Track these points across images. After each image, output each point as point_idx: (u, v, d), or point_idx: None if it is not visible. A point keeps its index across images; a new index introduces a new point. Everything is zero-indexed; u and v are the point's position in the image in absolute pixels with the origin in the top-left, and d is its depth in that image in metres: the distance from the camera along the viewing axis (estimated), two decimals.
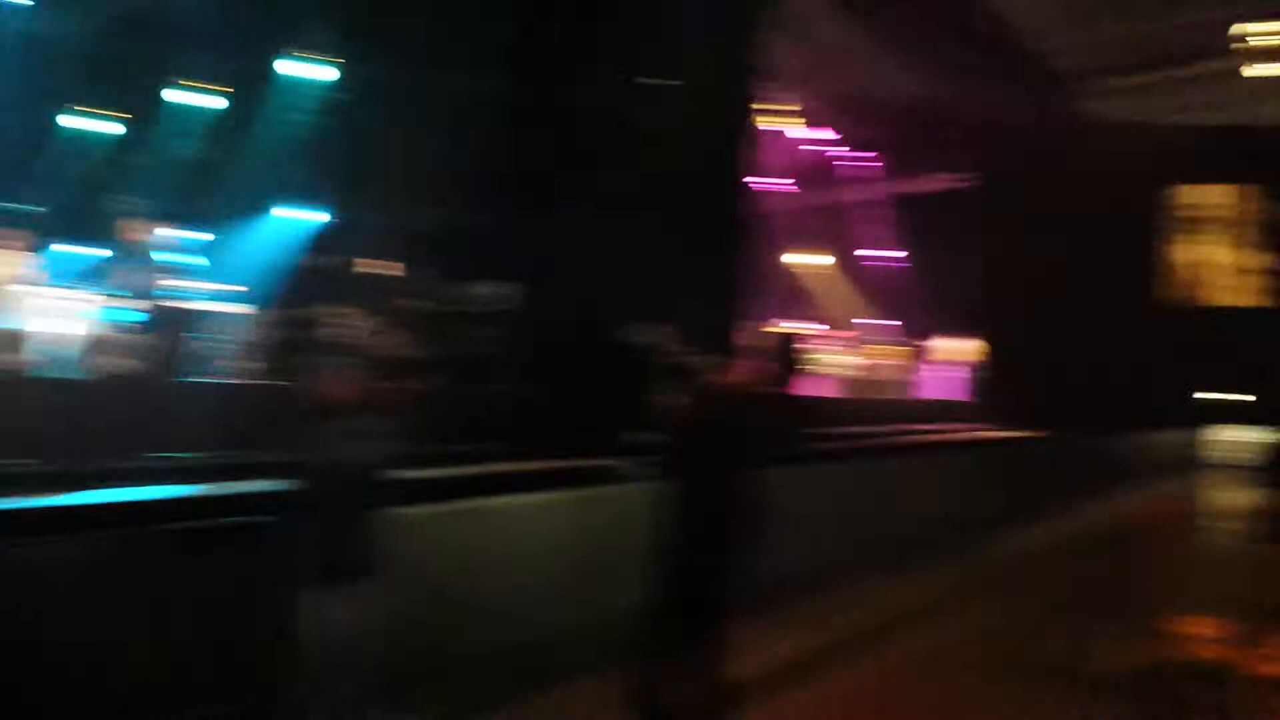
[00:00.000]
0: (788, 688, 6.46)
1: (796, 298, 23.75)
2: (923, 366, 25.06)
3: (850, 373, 21.64)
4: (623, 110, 10.35)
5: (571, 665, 5.90)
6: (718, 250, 15.36)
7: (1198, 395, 23.84)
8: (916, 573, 9.79)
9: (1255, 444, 6.17)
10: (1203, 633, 5.80)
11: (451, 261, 11.57)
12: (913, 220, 24.73)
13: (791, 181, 23.50)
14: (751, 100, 13.01)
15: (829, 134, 23.63)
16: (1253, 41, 21.70)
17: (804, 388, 17.16)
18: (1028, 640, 7.74)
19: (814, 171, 24.03)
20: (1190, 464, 22.88)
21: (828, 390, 19.87)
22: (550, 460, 7.60)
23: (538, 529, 6.38)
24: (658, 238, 13.09)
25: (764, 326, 19.54)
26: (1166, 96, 26.04)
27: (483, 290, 10.83)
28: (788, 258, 24.49)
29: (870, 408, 20.14)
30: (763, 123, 20.71)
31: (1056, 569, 10.85)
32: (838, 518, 9.93)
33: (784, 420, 12.97)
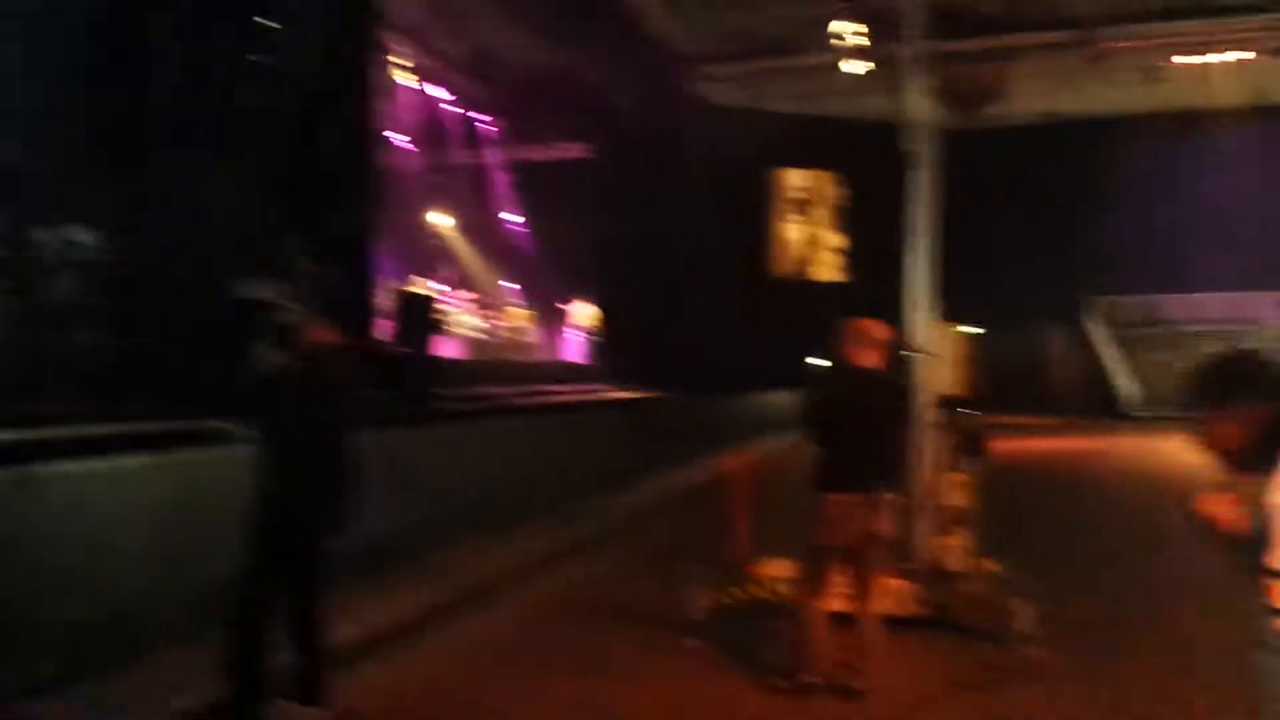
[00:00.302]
0: (394, 648, 6.39)
1: (427, 258, 23.42)
2: (550, 329, 25.75)
3: (479, 334, 21.77)
4: (227, 50, 9.61)
5: (165, 634, 5.49)
6: (337, 204, 14.80)
7: (808, 360, 26.29)
8: (534, 528, 10.00)
9: None
10: (779, 574, 6.34)
11: (26, 204, 10.25)
12: (538, 186, 25.17)
13: (419, 140, 23.08)
14: (370, 49, 12.55)
15: (452, 94, 23.43)
16: (848, 40, 23.93)
17: (433, 347, 17.04)
18: (628, 586, 8.13)
19: (440, 131, 23.75)
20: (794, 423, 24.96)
21: (456, 351, 19.89)
22: (142, 421, 6.98)
23: (126, 494, 5.82)
24: (267, 188, 12.35)
25: (391, 285, 19.14)
26: (775, 84, 28.23)
27: (62, 236, 9.68)
28: (418, 217, 24.08)
29: (497, 368, 20.36)
30: (386, 76, 20.15)
31: (661, 521, 11.49)
32: (459, 477, 9.94)
33: (372, 377, 12.72)
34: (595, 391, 22.22)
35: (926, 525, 6.91)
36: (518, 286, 25.27)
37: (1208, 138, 33.78)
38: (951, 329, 7.04)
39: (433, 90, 22.88)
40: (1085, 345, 38.78)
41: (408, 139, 22.48)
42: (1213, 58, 29.09)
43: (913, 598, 6.69)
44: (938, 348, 6.86)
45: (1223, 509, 2.46)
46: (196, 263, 9.81)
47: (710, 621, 6.64)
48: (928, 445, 6.80)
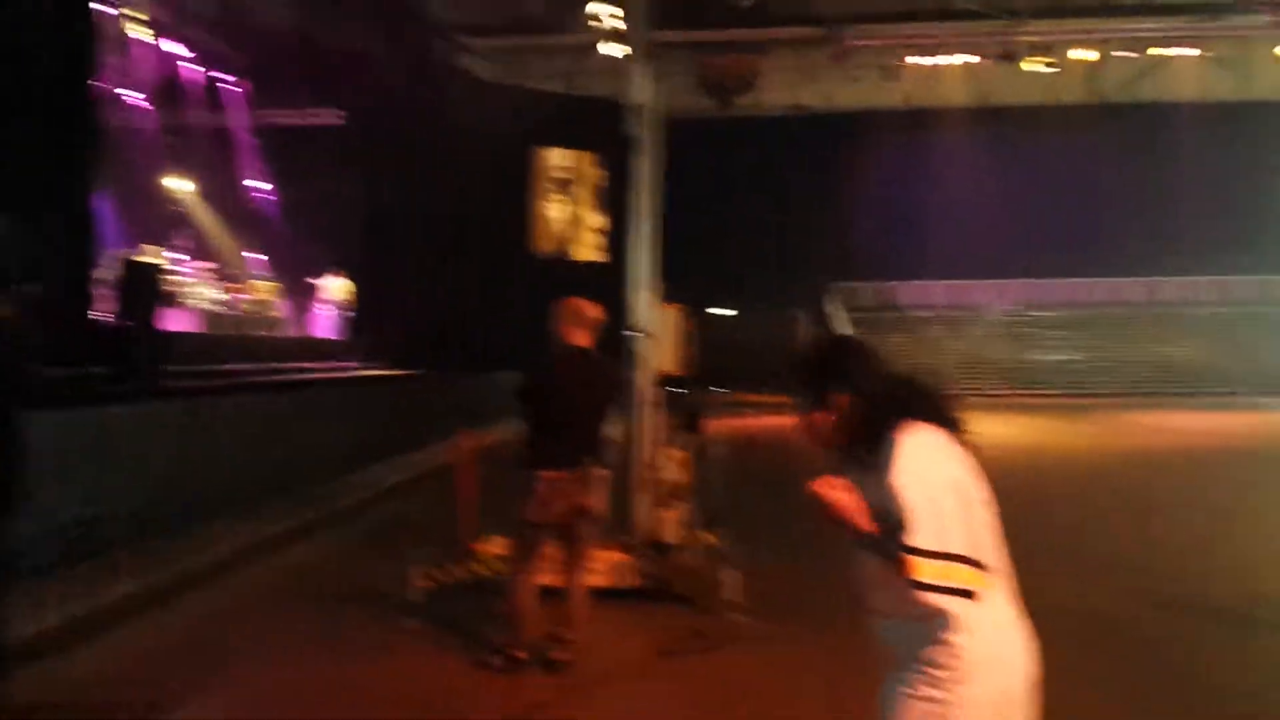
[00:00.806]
0: (92, 638, 6.05)
1: (162, 225, 21.98)
2: (300, 304, 24.74)
3: (219, 307, 20.67)
4: None
5: None
6: (52, 163, 13.67)
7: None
8: (265, 511, 9.65)
9: None
10: (501, 551, 6.37)
11: None
12: (289, 153, 24.12)
13: (155, 98, 21.60)
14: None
15: (193, 51, 22.03)
16: (605, 22, 24.15)
17: (162, 321, 16.03)
18: (355, 567, 7.97)
19: (179, 90, 22.31)
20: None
21: (192, 324, 18.80)
22: None
23: None
24: None
25: (118, 253, 17.87)
26: (538, 62, 28.20)
27: None
28: (152, 181, 22.57)
29: (238, 344, 19.41)
30: (115, 27, 18.78)
31: (398, 502, 11.32)
32: (185, 458, 9.41)
33: (85, 351, 11.93)
34: (347, 369, 21.57)
35: (645, 500, 7.11)
36: (264, 258, 24.14)
37: (938, 136, 36.36)
38: (672, 309, 7.24)
39: (171, 46, 21.44)
40: (827, 328, 40.92)
41: (141, 96, 21.01)
42: (943, 59, 31.47)
43: (630, 570, 6.87)
44: (658, 327, 7.03)
45: (841, 494, 2.30)
46: None
47: (430, 601, 6.61)
48: (646, 422, 6.98)
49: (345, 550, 8.98)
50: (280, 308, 23.72)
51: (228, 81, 23.28)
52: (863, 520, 2.26)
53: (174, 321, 18.41)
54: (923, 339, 39.86)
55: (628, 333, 6.87)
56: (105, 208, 20.96)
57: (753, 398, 34.66)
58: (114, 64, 19.53)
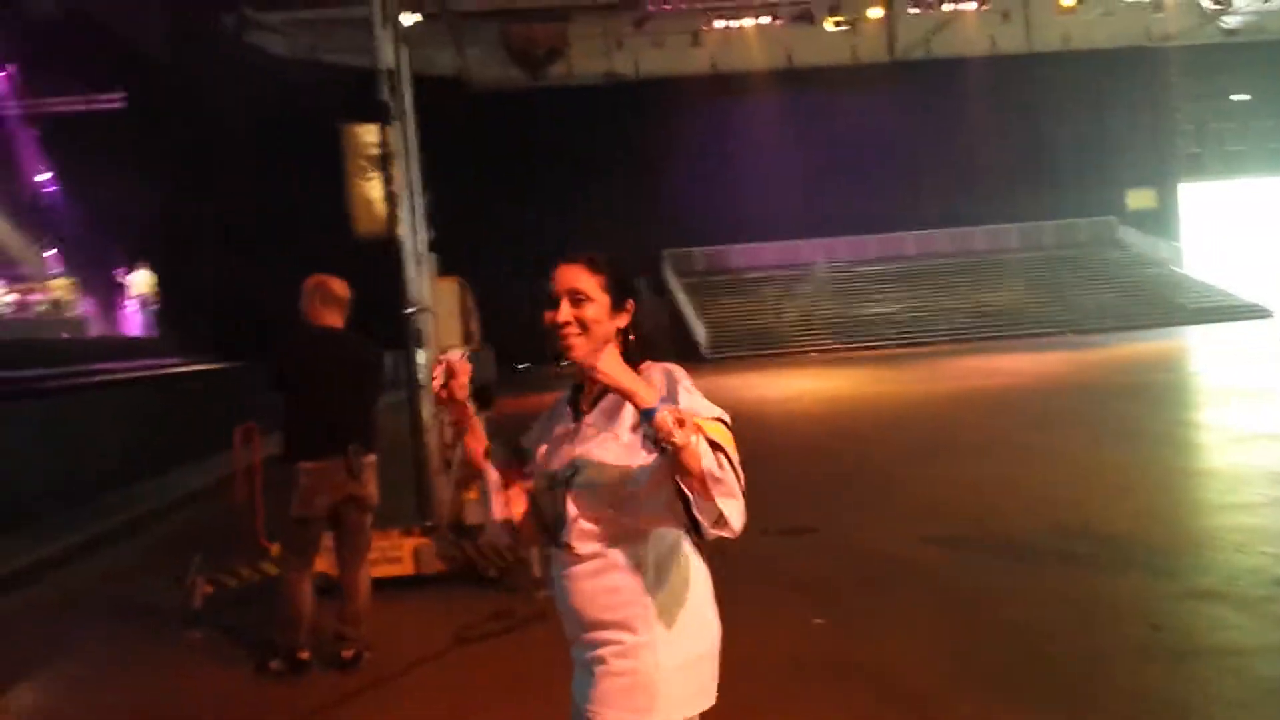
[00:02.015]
0: None
1: None
2: (103, 300, 23.35)
3: (5, 309, 19.27)
4: None
5: None
6: None
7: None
8: (54, 524, 9.07)
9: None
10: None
11: None
12: (77, 143, 22.60)
13: None
14: None
15: None
16: None
17: None
18: (144, 579, 7.44)
19: None
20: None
21: None
22: None
23: None
24: None
25: None
26: (334, 36, 27.17)
27: None
28: None
29: (28, 347, 18.14)
30: None
31: (198, 507, 10.68)
32: None
33: None
34: (158, 367, 20.45)
35: (444, 482, 6.84)
36: (55, 254, 22.61)
37: (748, 99, 36.90)
38: (450, 282, 6.95)
39: None
40: (664, 294, 41.19)
41: None
42: (747, 22, 31.76)
43: (433, 555, 6.61)
44: (439, 301, 6.74)
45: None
46: None
47: (218, 609, 6.21)
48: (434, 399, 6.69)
49: (131, 564, 8.45)
50: (80, 306, 22.31)
51: None
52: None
53: None
54: (757, 299, 40.55)
55: (407, 310, 6.56)
56: None
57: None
58: None
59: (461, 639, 5.57)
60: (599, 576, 2.12)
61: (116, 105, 22.74)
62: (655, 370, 2.16)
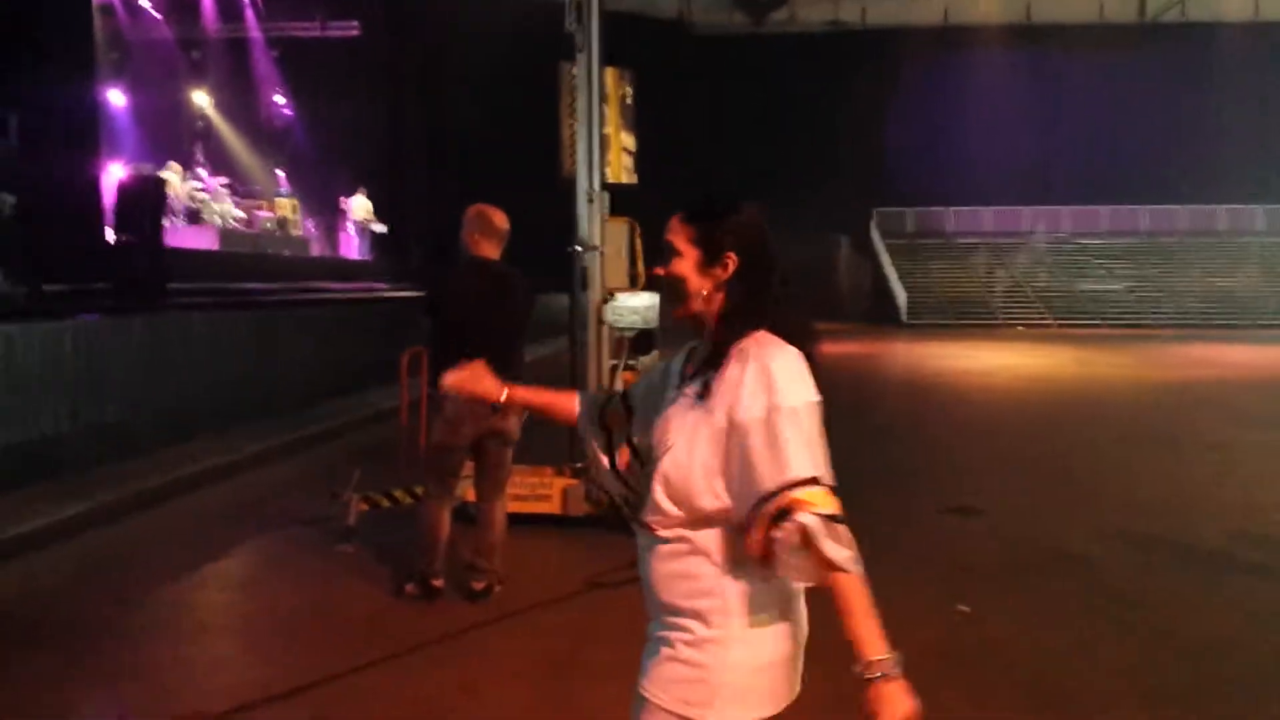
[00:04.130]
0: (29, 555, 5.92)
1: (178, 140, 21.80)
2: (324, 222, 24.57)
3: (237, 224, 20.51)
4: None
5: None
6: (51, 75, 13.48)
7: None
8: (247, 431, 9.60)
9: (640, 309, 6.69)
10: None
11: None
12: (311, 68, 23.72)
13: (168, 9, 21.28)
14: None
15: None
16: None
17: (168, 235, 15.91)
18: (310, 490, 7.73)
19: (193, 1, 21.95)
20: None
21: (209, 241, 18.67)
22: None
23: None
24: None
25: (127, 167, 17.75)
26: None
27: None
28: (168, 95, 22.33)
29: (256, 262, 19.29)
30: None
31: (380, 425, 11.04)
32: (175, 375, 9.28)
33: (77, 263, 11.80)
34: (369, 290, 21.43)
35: None
36: (285, 175, 23.91)
37: (979, 54, 35.04)
38: (620, 223, 6.83)
39: None
40: (869, 255, 40.12)
41: (152, 6, 20.71)
42: None
43: (580, 497, 6.60)
44: (608, 241, 6.64)
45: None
46: None
47: (369, 527, 6.41)
48: (597, 341, 6.64)
49: (311, 472, 8.79)
50: (303, 226, 23.55)
51: None
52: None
53: (190, 238, 18.33)
54: (966, 266, 38.96)
55: (574, 248, 6.50)
56: (119, 120, 20.88)
57: None
58: None
59: (594, 583, 5.53)
60: (677, 560, 1.94)
61: (351, 33, 23.65)
62: (750, 362, 1.89)
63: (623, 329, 6.79)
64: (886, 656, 1.79)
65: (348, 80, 23.19)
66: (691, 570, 1.92)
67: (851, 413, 13.69)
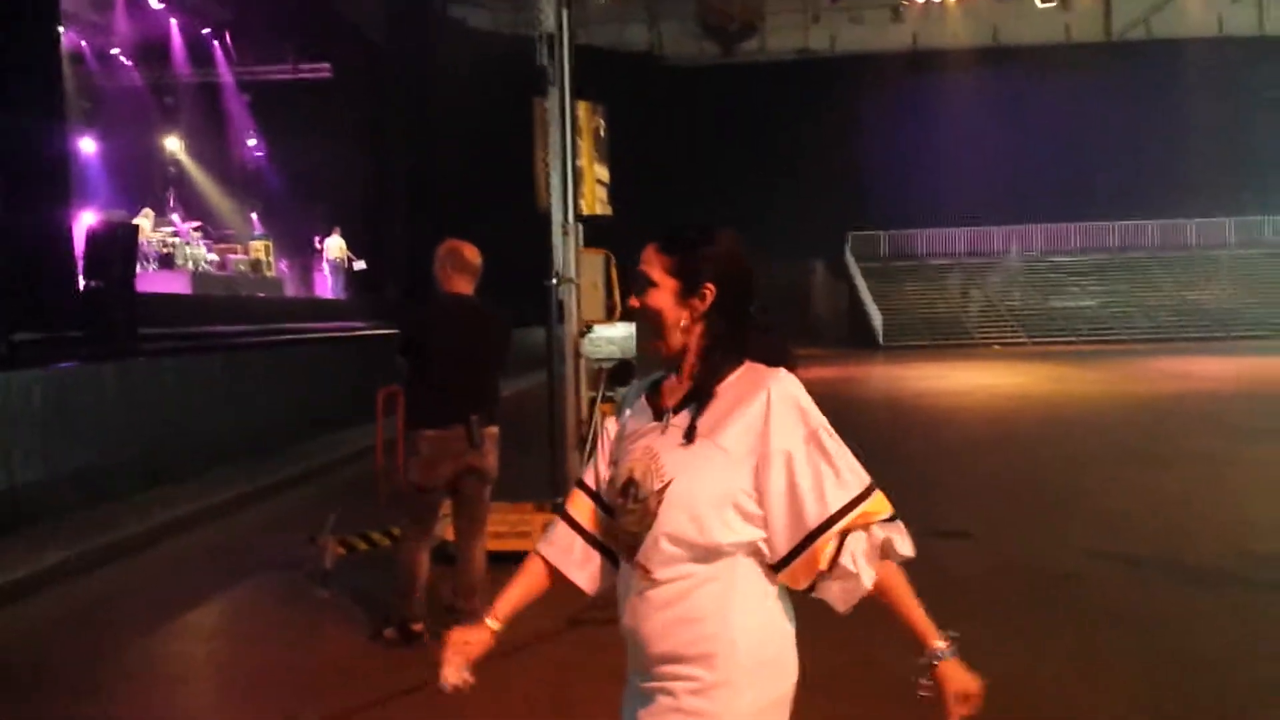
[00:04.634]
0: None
1: (149, 185, 21.74)
2: (299, 263, 24.50)
3: (210, 267, 20.41)
4: None
5: None
6: (17, 123, 13.38)
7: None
8: (220, 476, 9.50)
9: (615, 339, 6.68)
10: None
11: None
12: (283, 111, 23.72)
13: (138, 56, 21.26)
14: None
15: (178, 7, 21.56)
16: None
17: (139, 281, 15.78)
18: (288, 535, 7.62)
19: (165, 47, 21.92)
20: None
21: (181, 285, 18.55)
22: None
23: None
24: None
25: (95, 214, 17.64)
26: (531, 10, 27.54)
27: None
28: (138, 140, 22.29)
29: (229, 304, 19.19)
30: None
31: (357, 464, 10.93)
32: (147, 421, 9.20)
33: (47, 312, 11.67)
34: (346, 329, 21.32)
35: (578, 458, 6.73)
36: (258, 217, 23.85)
37: (947, 77, 35.43)
38: (595, 254, 6.81)
39: (154, 2, 21.03)
40: (844, 278, 40.27)
41: (122, 53, 20.68)
42: None
43: None
44: (583, 273, 6.61)
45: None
46: None
47: (346, 570, 6.32)
48: (575, 373, 6.59)
49: (288, 515, 8.67)
50: (276, 267, 23.47)
51: (216, 37, 22.85)
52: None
53: (163, 283, 18.20)
54: (941, 287, 39.17)
55: (550, 281, 6.46)
56: (91, 168, 20.79)
57: None
58: (92, 18, 19.20)
59: (576, 620, 5.44)
60: (678, 604, 1.85)
61: (323, 75, 23.68)
62: (767, 393, 1.85)
63: (600, 360, 6.75)
64: (946, 640, 1.92)
65: (321, 121, 23.17)
66: (693, 613, 1.85)
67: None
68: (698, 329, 1.94)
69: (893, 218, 39.57)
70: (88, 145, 20.51)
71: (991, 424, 14.90)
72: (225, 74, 23.06)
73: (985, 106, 36.28)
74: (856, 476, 1.85)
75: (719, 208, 34.72)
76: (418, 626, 5.12)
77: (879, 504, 1.86)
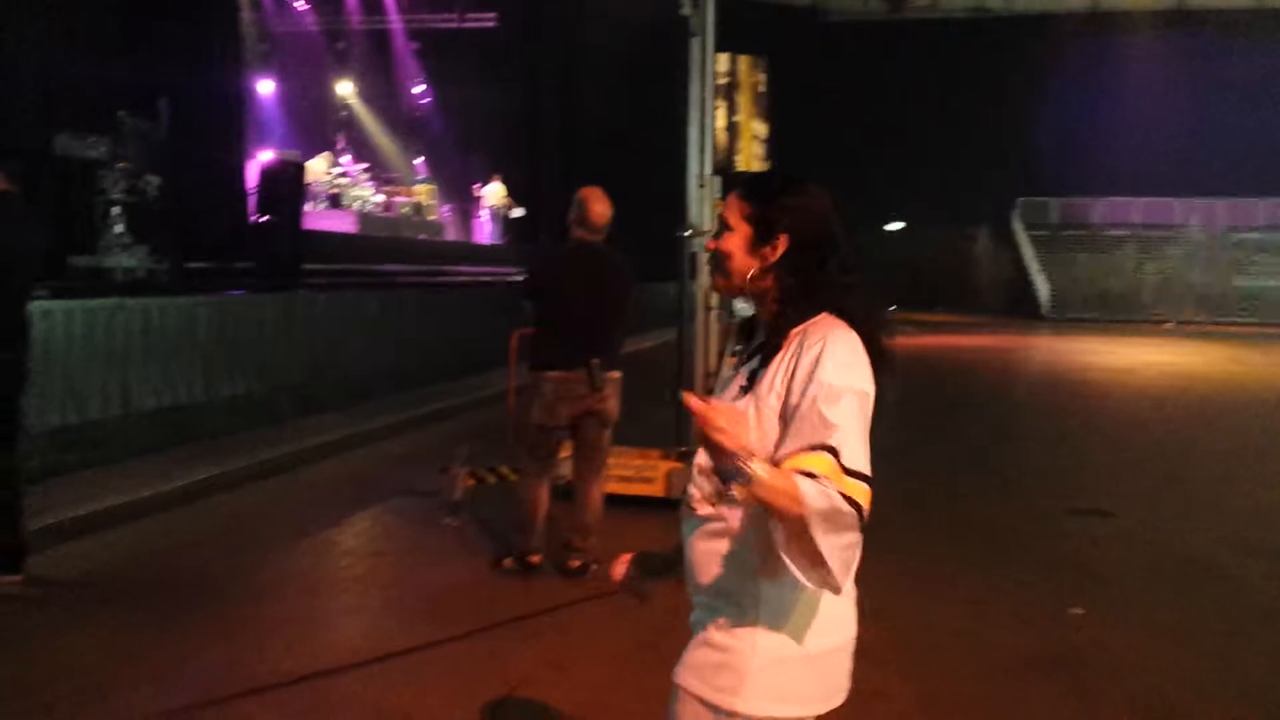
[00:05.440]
0: (144, 520, 6.25)
1: (321, 127, 22.60)
2: (459, 207, 25.12)
3: (375, 209, 21.14)
4: None
5: None
6: (201, 65, 14.08)
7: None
8: (371, 407, 9.94)
9: None
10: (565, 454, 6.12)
11: None
12: (449, 57, 24.21)
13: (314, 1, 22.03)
14: None
15: None
16: None
17: (305, 218, 16.49)
18: (427, 464, 7.91)
19: None
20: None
21: (347, 224, 19.30)
22: None
23: None
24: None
25: (269, 152, 18.45)
26: None
27: None
28: (312, 83, 23.15)
29: (391, 245, 19.86)
30: None
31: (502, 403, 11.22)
32: (306, 352, 9.65)
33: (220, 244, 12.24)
34: (501, 275, 21.81)
35: None
36: (423, 162, 24.52)
37: (1131, 40, 33.45)
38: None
39: None
40: (1009, 246, 38.88)
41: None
42: None
43: (685, 480, 6.56)
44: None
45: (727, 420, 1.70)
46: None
47: (475, 501, 6.56)
48: (704, 327, 6.60)
49: (428, 448, 8.97)
50: (439, 211, 24.12)
51: None
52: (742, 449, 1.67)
53: (330, 221, 18.97)
54: (1113, 259, 37.38)
55: (683, 234, 6.47)
56: (267, 108, 21.77)
57: (918, 316, 33.43)
58: None
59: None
60: (714, 541, 1.90)
61: (488, 24, 24.03)
62: (807, 346, 1.80)
63: (733, 315, 6.73)
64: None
65: (484, 69, 23.56)
66: (725, 551, 1.87)
67: (983, 409, 13.33)
68: (768, 280, 1.92)
69: (1066, 184, 37.87)
70: (265, 87, 21.43)
71: (1153, 403, 14.22)
72: (395, 21, 23.67)
73: (1169, 72, 34.18)
74: (824, 435, 1.71)
75: (880, 167, 33.97)
76: (535, 559, 5.27)
77: (829, 467, 1.68)
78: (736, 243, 1.94)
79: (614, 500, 5.63)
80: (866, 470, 1.73)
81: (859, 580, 1.84)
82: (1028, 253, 37.44)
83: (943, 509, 7.35)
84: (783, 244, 1.90)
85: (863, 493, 1.70)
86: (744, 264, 1.93)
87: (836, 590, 1.73)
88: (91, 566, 5.38)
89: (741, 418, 1.77)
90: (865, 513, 1.69)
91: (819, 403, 1.75)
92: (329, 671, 4.10)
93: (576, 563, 5.25)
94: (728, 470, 1.66)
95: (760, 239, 1.91)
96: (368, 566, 5.75)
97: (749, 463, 1.63)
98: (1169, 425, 11.98)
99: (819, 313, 1.88)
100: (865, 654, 4.03)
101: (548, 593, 5.10)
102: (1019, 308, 35.69)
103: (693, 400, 1.70)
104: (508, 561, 5.34)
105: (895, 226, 40.19)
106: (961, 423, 11.76)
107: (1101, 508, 7.30)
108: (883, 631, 4.49)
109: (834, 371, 1.78)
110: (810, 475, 1.67)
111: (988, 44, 34.31)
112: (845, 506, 1.66)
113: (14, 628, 4.49)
